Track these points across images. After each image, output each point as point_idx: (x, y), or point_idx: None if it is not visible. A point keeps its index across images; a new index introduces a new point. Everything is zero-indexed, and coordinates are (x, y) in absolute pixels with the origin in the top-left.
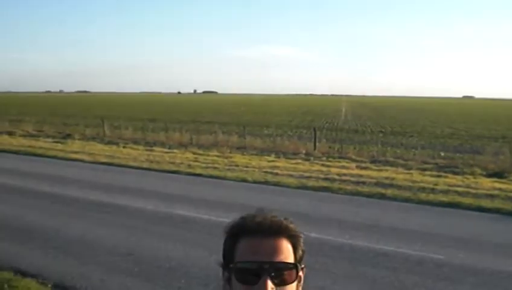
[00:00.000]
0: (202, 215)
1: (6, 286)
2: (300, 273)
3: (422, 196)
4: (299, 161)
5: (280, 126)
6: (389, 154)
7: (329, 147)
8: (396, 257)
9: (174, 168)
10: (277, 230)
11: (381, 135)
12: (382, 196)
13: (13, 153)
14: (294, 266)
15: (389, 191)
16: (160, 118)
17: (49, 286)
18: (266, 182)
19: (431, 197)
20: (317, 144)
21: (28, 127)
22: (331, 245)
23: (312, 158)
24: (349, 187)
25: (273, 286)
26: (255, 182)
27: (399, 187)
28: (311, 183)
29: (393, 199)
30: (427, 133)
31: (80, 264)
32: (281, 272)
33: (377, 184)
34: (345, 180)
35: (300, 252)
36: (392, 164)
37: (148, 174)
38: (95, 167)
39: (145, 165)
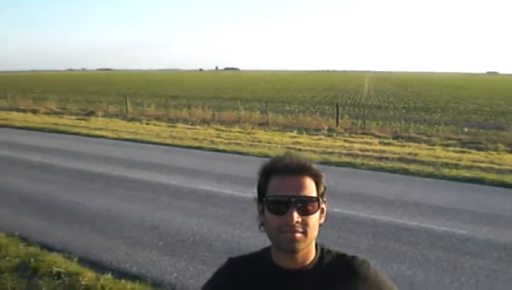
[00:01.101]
0: (225, 190)
1: (32, 260)
2: (323, 205)
3: (446, 171)
4: (322, 137)
5: (302, 102)
6: (412, 130)
7: (352, 123)
8: (420, 231)
9: (197, 144)
10: (302, 169)
11: (404, 110)
12: (405, 172)
13: (37, 130)
14: (316, 199)
15: (412, 167)
16: (183, 94)
17: (75, 260)
18: None
19: (454, 172)
20: (339, 120)
21: (52, 104)
22: (353, 220)
23: (334, 134)
24: (372, 163)
25: (298, 216)
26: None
27: (422, 163)
28: (333, 158)
29: (417, 174)
30: (451, 109)
31: (105, 239)
32: (305, 204)
33: (400, 160)
34: (367, 156)
35: (322, 188)
36: (415, 140)
37: (171, 150)
38: (118, 143)
39: (168, 141)
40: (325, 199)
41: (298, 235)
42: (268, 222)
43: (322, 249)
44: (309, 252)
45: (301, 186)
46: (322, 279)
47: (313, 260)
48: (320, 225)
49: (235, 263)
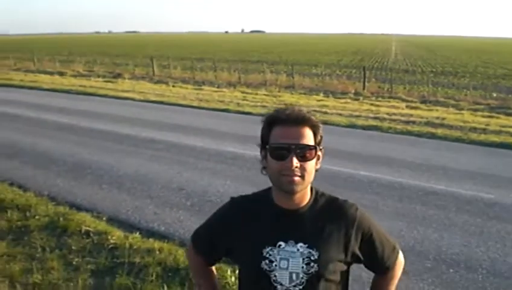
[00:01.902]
0: (251, 152)
1: (61, 219)
2: (319, 153)
3: (474, 136)
4: (348, 100)
5: (329, 65)
6: (439, 95)
7: (379, 87)
8: (446, 195)
9: (223, 106)
10: (301, 120)
11: (432, 74)
12: (432, 136)
13: (65, 93)
14: (314, 147)
15: (439, 131)
16: (209, 57)
17: (104, 219)
18: None
19: (482, 137)
20: (366, 83)
21: (79, 67)
22: (379, 183)
23: (361, 98)
24: (399, 126)
25: (297, 161)
26: None
27: (450, 127)
28: (360, 122)
29: (444, 138)
30: (480, 73)
31: (133, 199)
32: (304, 151)
33: (427, 124)
34: (394, 120)
35: (319, 137)
36: (442, 104)
37: (198, 113)
38: (145, 105)
39: (194, 103)
40: (321, 148)
41: (297, 178)
42: (271, 166)
43: (316, 192)
44: (305, 194)
45: (301, 136)
46: (316, 218)
47: (308, 202)
48: (316, 171)
49: (238, 201)
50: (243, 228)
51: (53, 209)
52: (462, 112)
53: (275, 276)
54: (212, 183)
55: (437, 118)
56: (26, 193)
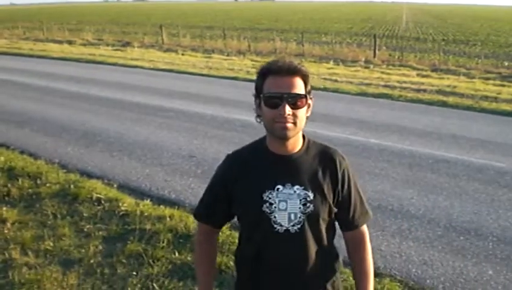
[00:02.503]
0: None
1: (72, 186)
2: (309, 101)
3: (485, 104)
4: (359, 68)
5: (339, 33)
6: (450, 63)
7: (390, 55)
8: (457, 163)
9: (232, 74)
10: (293, 71)
11: (443, 43)
12: (443, 104)
13: (74, 61)
14: (304, 96)
15: (450, 99)
16: (218, 25)
17: (115, 186)
18: (325, 89)
19: (494, 106)
20: (377, 51)
21: (88, 35)
22: (390, 151)
23: (372, 66)
24: (409, 94)
25: (290, 109)
26: (313, 88)
27: (461, 95)
28: (371, 90)
29: (455, 106)
30: (491, 42)
31: (144, 166)
32: (296, 100)
33: (438, 92)
34: (405, 88)
35: (309, 87)
36: (453, 73)
37: (208, 81)
38: (154, 73)
39: (204, 71)
40: (311, 96)
41: (289, 125)
42: (265, 114)
43: (308, 140)
44: (297, 141)
45: (292, 85)
46: (309, 163)
47: (301, 148)
48: (307, 118)
49: (233, 155)
50: (243, 177)
51: (64, 176)
52: (474, 80)
53: (275, 217)
54: (222, 150)
55: (448, 86)
56: (37, 161)
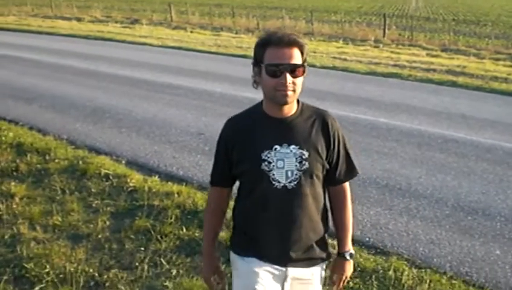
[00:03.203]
0: None
1: (81, 162)
2: (305, 71)
3: (495, 85)
4: (368, 47)
5: (348, 12)
6: (460, 43)
7: (399, 35)
8: (466, 143)
9: (241, 52)
10: (292, 42)
11: (453, 23)
12: (453, 84)
13: (83, 38)
14: (302, 66)
15: (460, 79)
16: (227, 3)
17: (123, 162)
18: (334, 68)
19: (504, 86)
20: (386, 31)
21: (96, 13)
22: (399, 130)
23: (381, 45)
24: (419, 74)
25: (290, 78)
26: (322, 67)
27: (471, 75)
28: (380, 69)
29: (465, 87)
30: (502, 22)
31: (152, 143)
32: (295, 69)
33: (448, 72)
34: (415, 67)
35: (305, 56)
36: (463, 53)
37: (216, 58)
38: (163, 50)
39: (213, 49)
40: (305, 64)
41: (290, 92)
42: (266, 82)
43: (302, 104)
44: (293, 105)
45: (292, 56)
46: (303, 124)
47: (295, 111)
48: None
49: (232, 120)
50: (242, 140)
51: (72, 152)
52: (484, 61)
53: (273, 175)
54: None
55: (458, 66)
56: (46, 137)
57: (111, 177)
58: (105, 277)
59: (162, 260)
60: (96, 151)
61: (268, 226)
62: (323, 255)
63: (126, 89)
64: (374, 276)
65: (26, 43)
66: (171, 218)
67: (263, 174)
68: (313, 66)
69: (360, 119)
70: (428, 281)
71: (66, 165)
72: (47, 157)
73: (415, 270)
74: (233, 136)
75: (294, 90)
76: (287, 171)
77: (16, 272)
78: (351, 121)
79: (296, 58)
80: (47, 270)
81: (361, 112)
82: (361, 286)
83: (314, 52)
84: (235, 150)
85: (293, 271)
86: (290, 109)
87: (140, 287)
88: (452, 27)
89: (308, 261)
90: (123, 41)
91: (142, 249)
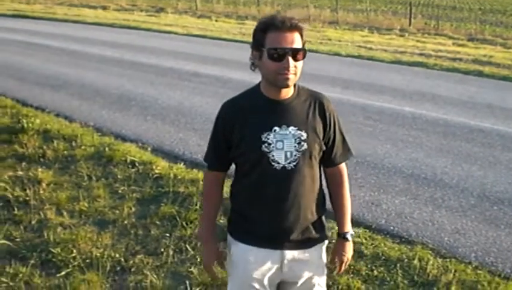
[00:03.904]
0: None
1: (107, 149)
2: (306, 54)
3: None
4: (393, 36)
5: (374, 1)
6: (487, 33)
7: (425, 24)
8: (492, 133)
9: None
10: (294, 27)
11: (479, 12)
12: (479, 73)
13: (108, 26)
14: (303, 50)
15: (486, 69)
16: None
17: (149, 149)
18: (359, 56)
19: None
20: (412, 20)
21: (121, 1)
22: (424, 119)
23: (407, 34)
24: (445, 63)
25: (292, 62)
26: (348, 55)
27: (497, 65)
28: (405, 58)
29: (491, 76)
30: None
31: (177, 130)
32: (296, 53)
33: (474, 61)
34: (440, 56)
35: (304, 39)
36: (490, 42)
37: (241, 47)
38: (188, 39)
39: (238, 37)
40: (306, 48)
41: (291, 76)
42: (268, 66)
43: (298, 86)
44: (291, 88)
45: (293, 40)
46: (301, 106)
47: (293, 94)
48: None
49: (229, 103)
50: (240, 122)
51: (98, 139)
52: (510, 50)
53: (273, 156)
54: None
55: (484, 56)
56: (72, 124)
57: (137, 164)
58: (131, 262)
59: (187, 246)
60: (122, 139)
61: (266, 207)
62: (321, 236)
63: (151, 77)
64: (398, 265)
65: (52, 31)
66: (196, 205)
67: (263, 156)
68: (338, 54)
69: (385, 108)
70: (453, 270)
71: (93, 151)
72: (73, 144)
73: (439, 260)
74: (232, 118)
75: (295, 74)
76: (286, 152)
77: (42, 257)
78: (376, 109)
79: (297, 42)
80: (73, 255)
81: (386, 100)
82: (385, 275)
83: (340, 41)
84: (234, 132)
85: (290, 253)
86: (288, 92)
87: (165, 272)
88: (478, 16)
89: (306, 242)
90: (148, 30)
91: (168, 235)
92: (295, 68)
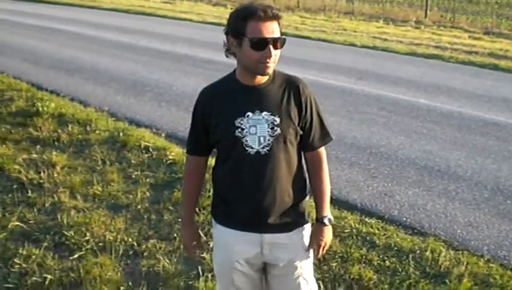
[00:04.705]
0: (309, 76)
1: (121, 134)
2: (285, 42)
3: None
4: (409, 28)
5: None
6: (503, 27)
7: (441, 16)
8: (507, 127)
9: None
10: (274, 16)
11: (496, 6)
12: (495, 67)
13: (124, 12)
14: (283, 38)
15: (502, 63)
16: None
17: (163, 135)
18: (375, 47)
19: None
20: (428, 12)
21: None
22: (439, 112)
23: (422, 26)
24: (460, 56)
25: (273, 51)
26: (363, 46)
27: None
28: (421, 50)
29: (507, 70)
30: None
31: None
32: (276, 42)
33: (490, 55)
34: (456, 49)
35: (281, 27)
36: (506, 36)
37: None
38: (203, 26)
39: None
40: (284, 37)
41: (272, 64)
42: (250, 55)
43: (274, 71)
44: None
45: (274, 30)
46: (275, 91)
47: (268, 79)
48: None
49: (206, 89)
50: (216, 108)
51: (113, 124)
52: None
53: (246, 141)
54: None
55: (500, 49)
56: (87, 108)
57: (151, 150)
58: (144, 246)
59: (199, 232)
60: (136, 124)
61: (243, 191)
62: (300, 220)
63: (166, 64)
64: (410, 256)
65: (68, 16)
66: (209, 191)
67: (237, 141)
68: (353, 45)
69: (400, 99)
70: (465, 263)
71: (107, 136)
72: (88, 128)
73: (452, 252)
74: (208, 104)
75: (274, 62)
76: (259, 137)
77: (55, 240)
78: (391, 101)
79: (277, 30)
80: (87, 238)
81: (400, 92)
82: (397, 266)
83: (355, 32)
84: (210, 117)
85: (269, 236)
86: (263, 77)
87: (178, 257)
88: (495, 10)
89: (285, 225)
90: (164, 17)
91: (180, 220)
92: (275, 56)
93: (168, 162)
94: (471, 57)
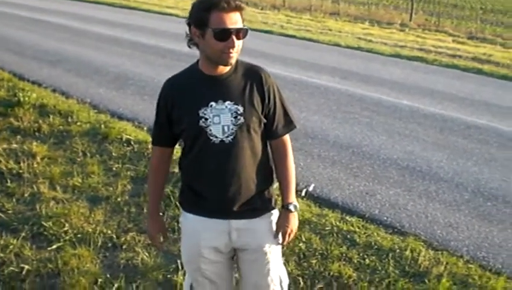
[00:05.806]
0: (293, 74)
1: (103, 126)
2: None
3: None
4: (394, 30)
5: None
6: (487, 32)
7: (426, 20)
8: (489, 130)
9: (266, 28)
10: (237, 7)
11: (481, 11)
12: (478, 71)
13: (108, 5)
14: (246, 29)
15: (485, 67)
16: None
17: (145, 129)
18: (359, 48)
19: None
20: (413, 15)
21: None
22: (422, 113)
23: (407, 29)
24: (444, 59)
25: (237, 41)
26: (347, 47)
27: (496, 64)
28: (405, 52)
29: (490, 75)
30: None
31: None
32: (239, 33)
33: (473, 59)
34: (440, 52)
35: (243, 18)
36: (490, 42)
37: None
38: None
39: None
40: (247, 27)
41: (235, 54)
42: (213, 45)
43: (237, 61)
44: None
45: (237, 20)
46: (238, 81)
47: (230, 69)
48: None
49: (169, 80)
50: (180, 98)
51: (95, 116)
52: (510, 50)
53: (210, 130)
54: None
55: (484, 54)
56: (69, 100)
57: (132, 143)
58: (123, 239)
59: (180, 225)
60: (118, 117)
61: (209, 180)
62: (267, 206)
63: (150, 58)
64: (390, 255)
65: (52, 7)
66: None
67: (201, 130)
68: (338, 45)
69: (383, 100)
70: (444, 263)
71: (88, 128)
72: (69, 119)
73: (431, 252)
74: (172, 96)
75: (237, 52)
76: (223, 126)
77: (34, 230)
78: (374, 101)
79: (240, 21)
80: (65, 229)
81: (384, 93)
82: (377, 264)
83: (340, 32)
84: (174, 108)
85: (236, 223)
86: (225, 67)
87: (157, 251)
88: (479, 15)
89: (251, 212)
90: (148, 11)
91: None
92: (238, 47)
93: (149, 155)
94: (454, 61)
